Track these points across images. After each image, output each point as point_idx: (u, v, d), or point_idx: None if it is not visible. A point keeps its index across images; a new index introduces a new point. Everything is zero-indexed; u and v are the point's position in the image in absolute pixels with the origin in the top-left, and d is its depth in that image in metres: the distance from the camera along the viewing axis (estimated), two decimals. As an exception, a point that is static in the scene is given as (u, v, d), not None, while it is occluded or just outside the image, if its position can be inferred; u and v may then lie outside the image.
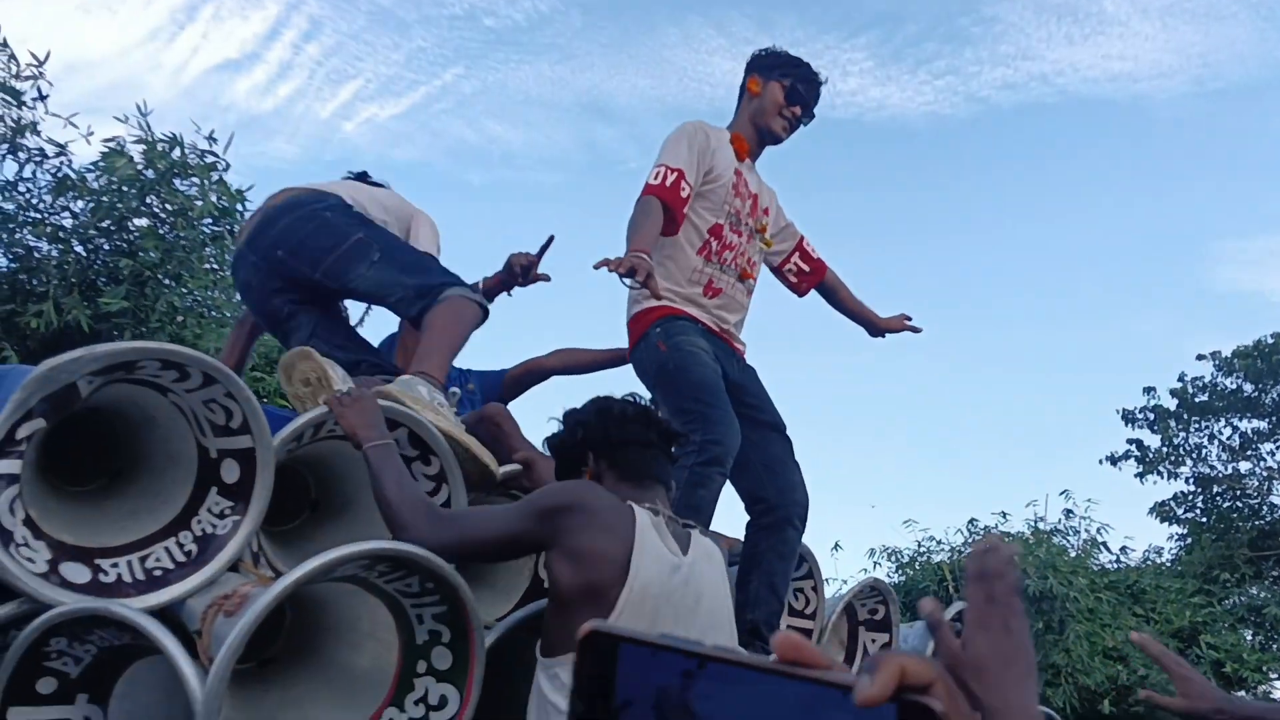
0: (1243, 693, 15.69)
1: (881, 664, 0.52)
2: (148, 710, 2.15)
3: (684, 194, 3.41)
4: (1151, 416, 21.29)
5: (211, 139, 8.28)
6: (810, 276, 3.97)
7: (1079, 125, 34.19)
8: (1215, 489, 21.34)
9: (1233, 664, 14.61)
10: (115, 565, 2.18)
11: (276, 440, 2.31)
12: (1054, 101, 32.68)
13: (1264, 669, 15.99)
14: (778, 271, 3.93)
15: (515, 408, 3.77)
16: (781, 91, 3.67)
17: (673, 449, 2.55)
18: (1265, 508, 21.21)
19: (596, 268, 2.93)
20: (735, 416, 3.22)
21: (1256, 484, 21.23)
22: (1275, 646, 17.06)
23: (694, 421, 3.16)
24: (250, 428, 2.26)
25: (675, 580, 2.21)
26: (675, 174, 3.40)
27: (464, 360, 4.01)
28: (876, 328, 4.05)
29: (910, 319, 4.10)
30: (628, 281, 2.99)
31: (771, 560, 3.32)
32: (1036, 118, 33.54)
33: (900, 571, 15.47)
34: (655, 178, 3.40)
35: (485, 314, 3.15)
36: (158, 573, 2.19)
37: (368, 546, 2.02)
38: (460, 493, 2.56)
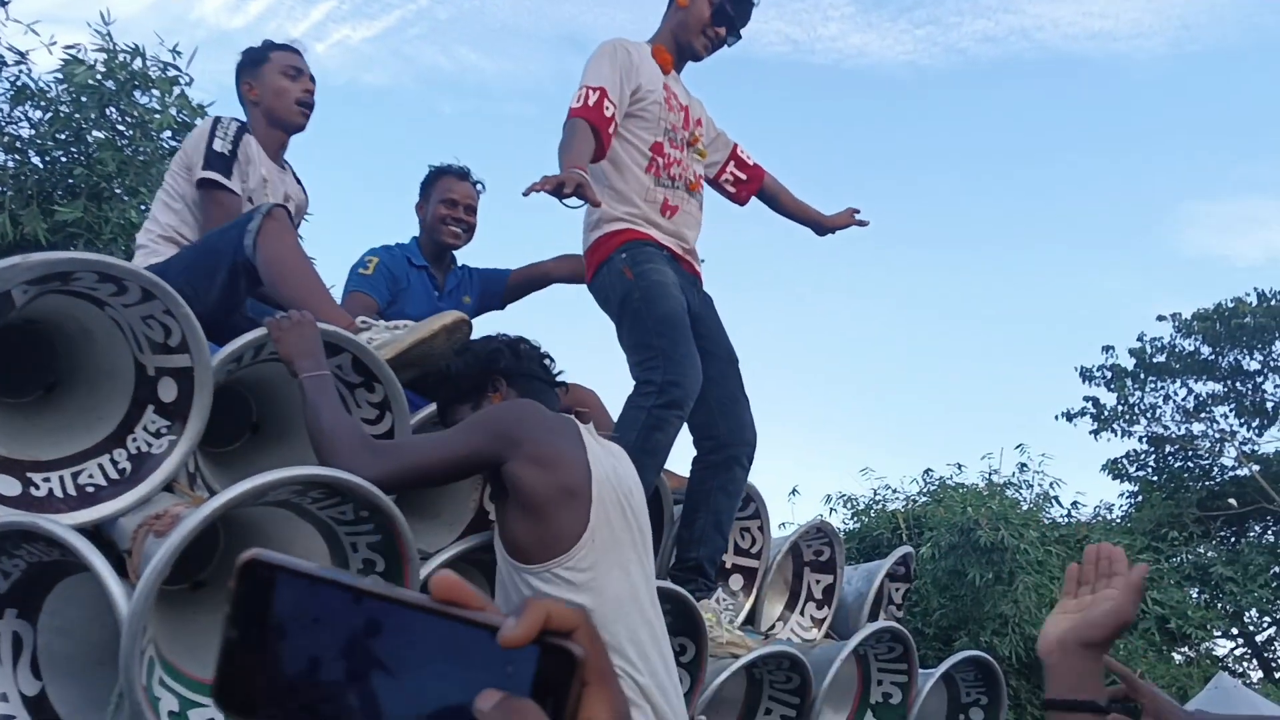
0: (1185, 649, 16.06)
1: (527, 609, 0.54)
2: (77, 627, 2.12)
3: (608, 113, 3.29)
4: (1109, 375, 21.51)
5: (175, 52, 8.12)
6: (748, 184, 3.90)
7: (1056, 82, 34.16)
8: (1168, 449, 21.66)
9: (1177, 620, 14.92)
10: (47, 480, 2.15)
11: (216, 360, 2.27)
12: (1033, 57, 32.61)
13: (1208, 626, 16.36)
14: (714, 183, 3.85)
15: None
16: (708, 8, 3.54)
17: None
18: (1215, 469, 21.57)
19: (526, 194, 2.84)
20: (698, 356, 3.18)
21: (1208, 446, 21.56)
22: (1219, 605, 17.43)
23: (655, 360, 3.12)
24: (189, 346, 2.21)
25: (615, 478, 2.33)
26: (597, 93, 3.29)
27: (465, 258, 4.03)
28: (823, 226, 3.99)
29: (858, 212, 4.02)
30: (567, 202, 2.91)
31: (718, 498, 3.31)
32: (1015, 72, 33.49)
33: (856, 519, 15.64)
34: (578, 100, 3.29)
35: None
36: (90, 489, 2.16)
37: (301, 471, 1.99)
38: (404, 419, 2.54)
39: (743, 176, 3.87)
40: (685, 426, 3.28)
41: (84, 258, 2.05)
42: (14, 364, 2.31)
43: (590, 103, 3.27)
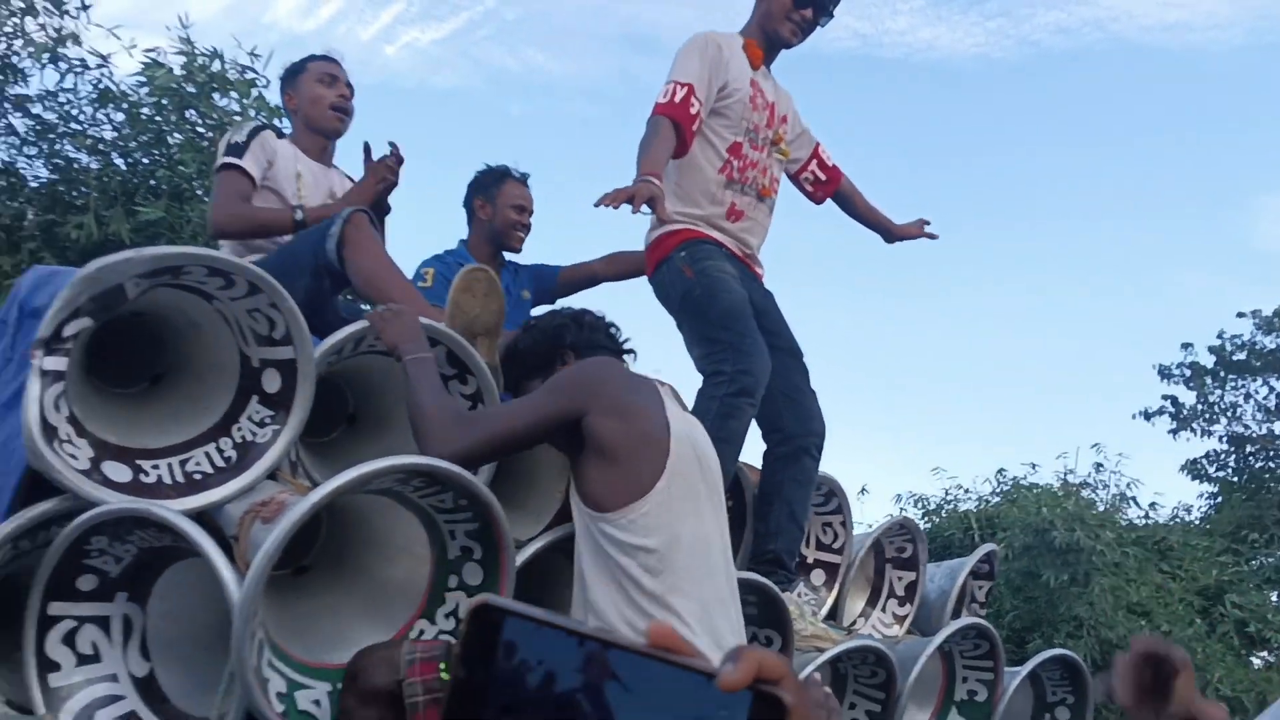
0: (1265, 653, 15.68)
1: (742, 656, 0.57)
2: (185, 611, 2.19)
3: (694, 110, 3.27)
4: (1188, 373, 21.05)
5: (253, 55, 8.26)
6: (827, 185, 3.85)
7: (1130, 74, 33.47)
8: (1248, 448, 21.16)
9: (1256, 623, 14.57)
10: (156, 467, 2.22)
11: (317, 352, 2.33)
12: (1106, 48, 31.96)
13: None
14: (794, 180, 3.81)
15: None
16: None
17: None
18: (1298, 470, 21.03)
19: (597, 205, 2.85)
20: (765, 345, 3.17)
21: (1291, 445, 21.03)
22: (1300, 609, 17.00)
23: (724, 351, 3.11)
24: (293, 338, 2.27)
25: (691, 436, 2.38)
26: (685, 89, 3.26)
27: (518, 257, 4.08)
28: (892, 234, 3.94)
29: (929, 223, 3.97)
30: (631, 209, 2.90)
31: (791, 489, 3.30)
32: (1088, 64, 32.83)
33: (927, 518, 15.48)
34: (665, 95, 3.27)
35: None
36: (197, 476, 2.23)
37: (404, 460, 2.03)
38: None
39: (822, 177, 3.84)
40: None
41: (195, 252, 2.11)
42: (124, 355, 2.38)
43: (677, 99, 3.25)
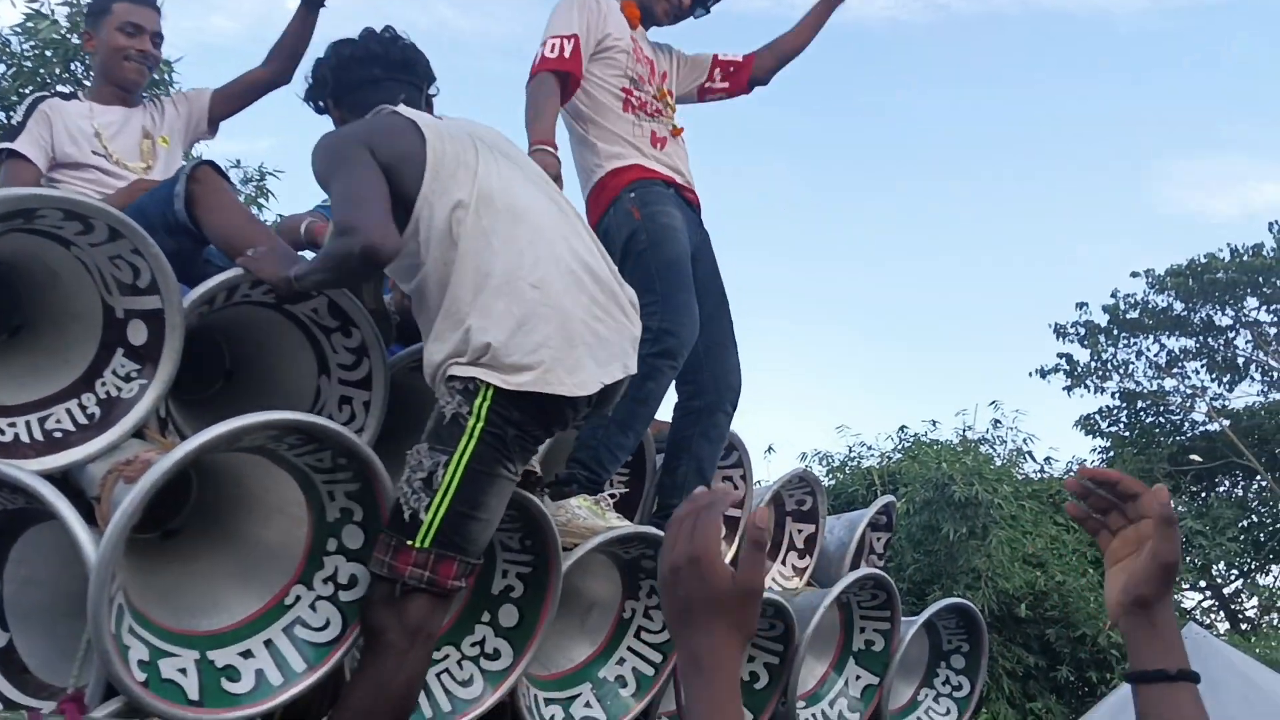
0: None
1: None
2: (45, 577, 2.07)
3: (581, 64, 3.22)
4: (1083, 331, 21.62)
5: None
6: (742, 76, 3.75)
7: (1038, 37, 34.12)
8: (1140, 404, 21.84)
9: (1145, 573, 15.06)
10: (13, 425, 2.08)
11: (186, 302, 2.20)
12: (1015, 12, 32.51)
13: (1178, 579, 16.53)
14: (704, 96, 3.74)
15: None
16: None
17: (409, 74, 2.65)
18: (1186, 425, 21.78)
19: None
20: (696, 305, 3.12)
21: (1179, 401, 21.76)
22: (1189, 558, 17.65)
23: (654, 306, 3.04)
24: (159, 287, 2.14)
25: (456, 128, 2.44)
26: (571, 41, 3.19)
27: None
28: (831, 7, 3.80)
29: None
30: None
31: (701, 445, 3.27)
32: (997, 27, 33.38)
33: (831, 475, 15.69)
34: (550, 50, 3.18)
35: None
36: (57, 434, 2.09)
37: (276, 416, 1.94)
38: (382, 363, 2.47)
39: (734, 71, 3.74)
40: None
41: (50, 194, 1.98)
42: (-24, 307, 2.23)
43: (566, 53, 3.18)
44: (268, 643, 2.05)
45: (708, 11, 3.57)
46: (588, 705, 2.66)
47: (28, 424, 2.10)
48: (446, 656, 2.40)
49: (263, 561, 2.11)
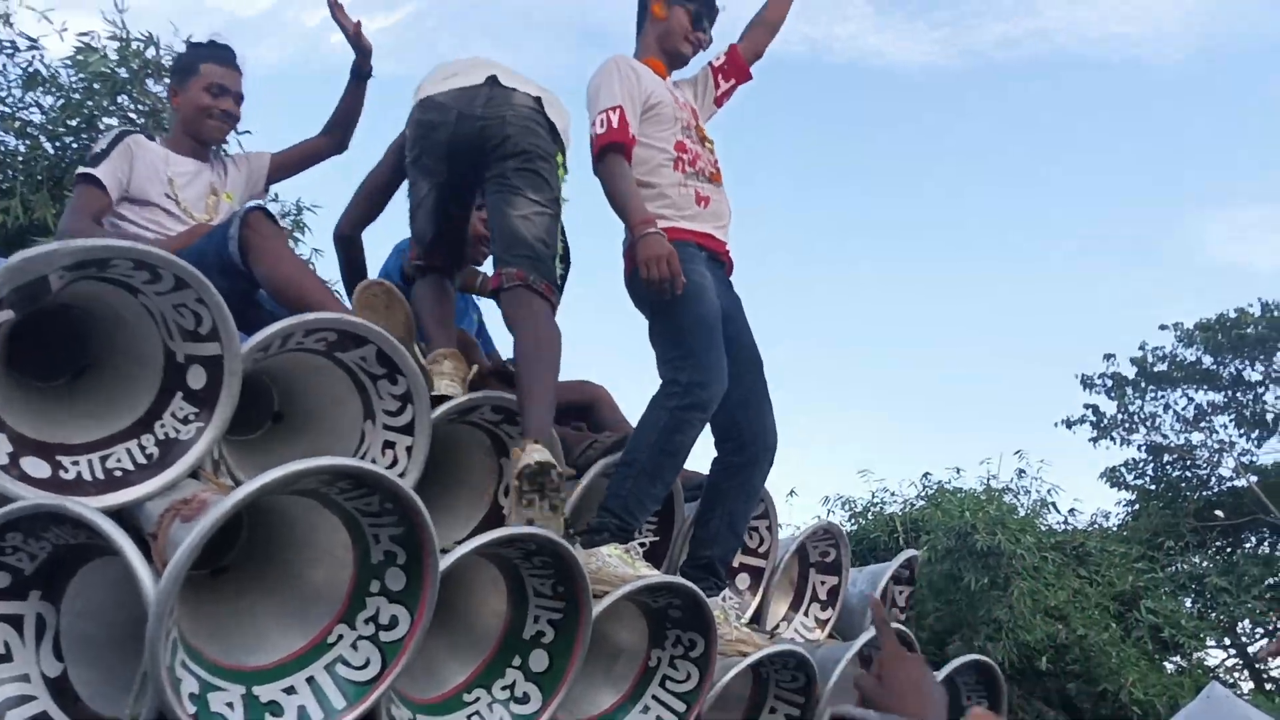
0: (1178, 658, 16.09)
1: None
2: (100, 610, 2.15)
3: (632, 131, 3.37)
4: (1110, 383, 21.52)
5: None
6: (735, 67, 3.91)
7: (1074, 85, 34.20)
8: (1166, 458, 21.67)
9: (1170, 629, 14.93)
10: (76, 463, 2.18)
11: (244, 349, 2.30)
12: (1052, 60, 32.62)
13: (1200, 635, 16.39)
14: (720, 102, 3.90)
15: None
16: (687, 15, 3.66)
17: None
18: (1213, 479, 21.58)
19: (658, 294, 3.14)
20: (726, 360, 3.21)
21: (1207, 455, 21.57)
22: (1213, 615, 17.47)
23: (685, 360, 3.15)
24: (219, 334, 2.24)
25: None
26: (618, 112, 3.34)
27: None
28: None
29: None
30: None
31: (735, 499, 3.35)
32: (1033, 75, 33.48)
33: (853, 520, 15.65)
34: (601, 125, 3.34)
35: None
36: (118, 473, 2.19)
37: (330, 462, 2.02)
38: (425, 411, 2.57)
39: (727, 67, 3.90)
40: (708, 425, 3.31)
41: (122, 245, 2.08)
42: (46, 348, 2.33)
43: (615, 124, 3.33)
44: (310, 680, 2.13)
45: (709, 39, 3.77)
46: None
47: (89, 463, 2.20)
48: (477, 699, 2.47)
49: (308, 600, 2.19)
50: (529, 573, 2.50)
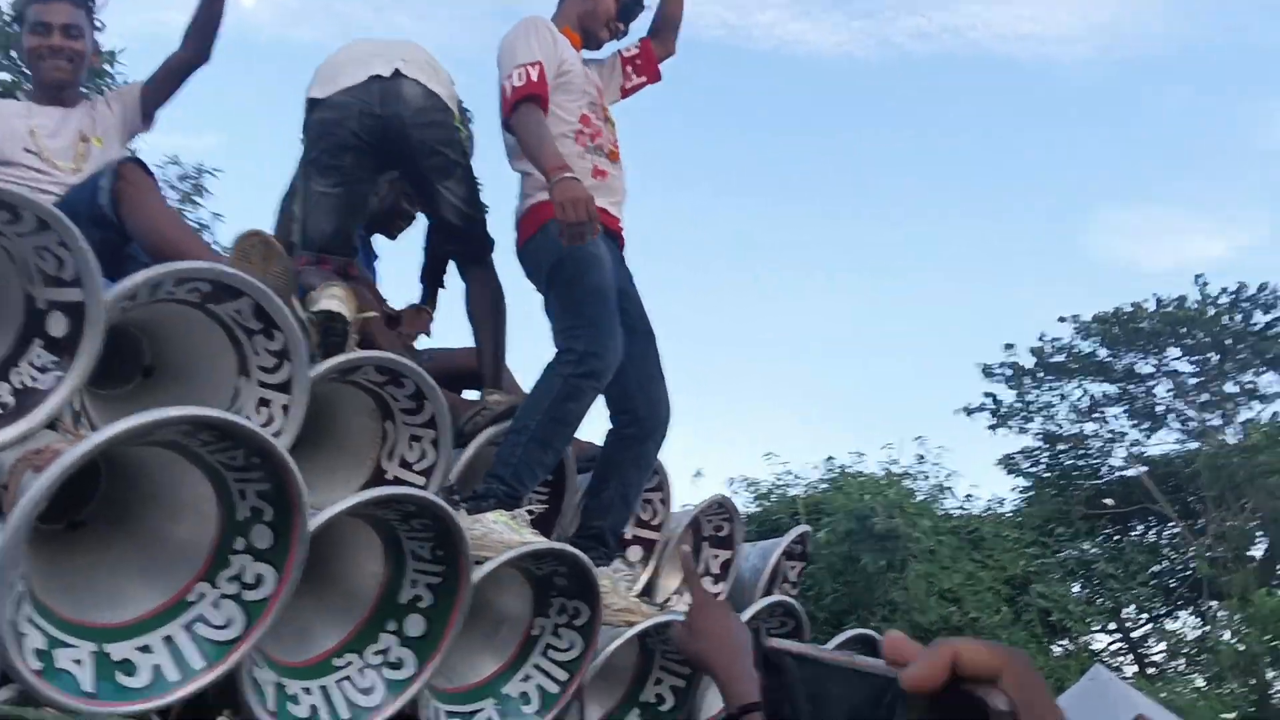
0: (1065, 641, 16.57)
1: (933, 650, 0.52)
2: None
3: (548, 85, 3.32)
4: (1009, 372, 22.02)
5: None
6: (647, 62, 3.87)
7: (985, 81, 34.79)
8: (1060, 447, 22.27)
9: (1059, 613, 15.39)
10: (-79, 412, 2.06)
11: (109, 296, 2.20)
12: (965, 55, 33.12)
13: (1087, 620, 16.92)
14: (626, 94, 3.86)
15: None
16: (615, 5, 3.63)
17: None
18: (1105, 468, 22.24)
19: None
20: (620, 330, 3.19)
21: (1099, 445, 22.22)
22: (1100, 600, 18.02)
23: (581, 329, 3.14)
24: (82, 281, 2.13)
25: None
26: (536, 67, 3.28)
27: None
28: None
29: None
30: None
31: (628, 471, 3.35)
32: (946, 69, 33.96)
33: (757, 502, 15.82)
34: (518, 78, 3.27)
35: None
36: (-32, 423, 2.08)
37: (189, 411, 1.94)
38: (303, 368, 2.48)
39: (639, 61, 3.86)
40: (602, 398, 3.29)
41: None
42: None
43: (534, 78, 3.27)
44: (167, 639, 2.04)
45: (627, 32, 3.75)
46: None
47: (-62, 411, 2.08)
48: (349, 664, 2.40)
49: (168, 557, 2.10)
50: (407, 536, 2.44)
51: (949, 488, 16.31)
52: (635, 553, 3.64)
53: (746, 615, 3.23)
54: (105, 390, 2.52)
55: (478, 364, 3.58)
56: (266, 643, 2.17)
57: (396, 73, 3.30)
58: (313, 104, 3.36)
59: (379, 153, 3.34)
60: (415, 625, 2.44)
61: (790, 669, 0.62)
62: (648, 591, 3.61)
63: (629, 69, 3.83)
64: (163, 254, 2.58)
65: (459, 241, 3.56)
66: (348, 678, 2.37)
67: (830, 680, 0.59)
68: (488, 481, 3.00)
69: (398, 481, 2.84)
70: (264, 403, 2.48)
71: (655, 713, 3.08)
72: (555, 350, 3.19)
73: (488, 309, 3.56)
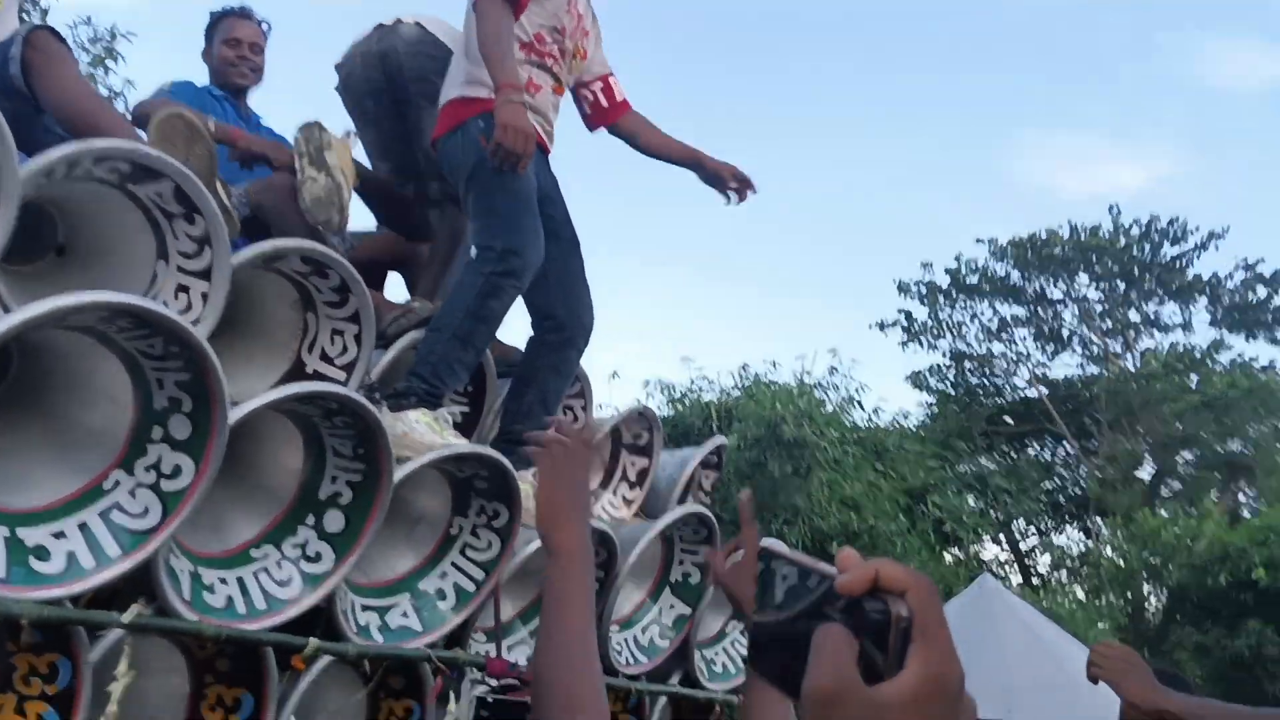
0: (957, 550, 17.16)
1: (862, 566, 0.68)
2: None
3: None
4: (924, 290, 22.37)
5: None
6: (606, 112, 3.68)
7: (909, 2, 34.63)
8: (967, 365, 22.81)
9: (953, 523, 15.90)
10: None
11: (25, 172, 2.09)
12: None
13: (979, 531, 17.55)
14: (575, 93, 3.66)
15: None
16: None
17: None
18: (1008, 388, 22.88)
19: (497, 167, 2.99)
20: (541, 230, 3.14)
21: (1005, 365, 22.81)
22: (993, 513, 18.65)
23: (499, 227, 3.08)
24: (-9, 152, 2.03)
25: None
26: None
27: None
28: (705, 169, 3.68)
29: (751, 187, 3.71)
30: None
31: (549, 377, 3.32)
32: (874, -15, 33.71)
33: (671, 405, 15.97)
34: None
35: None
36: None
37: (106, 297, 1.87)
38: (225, 254, 2.40)
39: (604, 103, 3.68)
40: (525, 304, 3.26)
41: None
42: None
43: None
44: (82, 525, 2.01)
45: None
46: (405, 615, 2.68)
47: None
48: (266, 556, 2.38)
49: (83, 444, 2.05)
50: (329, 432, 2.41)
51: (858, 400, 16.62)
52: (554, 456, 3.64)
53: (662, 523, 3.27)
54: (16, 266, 2.42)
55: (412, 266, 3.53)
56: (183, 533, 2.15)
57: (399, 20, 3.50)
58: (336, 71, 3.66)
59: (393, 89, 3.51)
60: (334, 521, 2.43)
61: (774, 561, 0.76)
62: (564, 494, 3.62)
63: (599, 85, 3.66)
64: (78, 129, 2.46)
65: (437, 180, 3.50)
66: (265, 569, 2.35)
67: (793, 572, 0.74)
68: (408, 379, 2.97)
69: (318, 375, 2.79)
70: (183, 289, 2.40)
71: (567, 613, 3.12)
72: (474, 250, 3.15)
73: (448, 235, 3.63)
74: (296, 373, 2.82)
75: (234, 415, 2.11)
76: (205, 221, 2.36)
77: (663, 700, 3.37)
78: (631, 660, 3.24)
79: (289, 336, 2.87)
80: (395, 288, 3.92)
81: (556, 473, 1.62)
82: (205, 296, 2.40)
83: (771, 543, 0.79)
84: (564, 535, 1.57)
